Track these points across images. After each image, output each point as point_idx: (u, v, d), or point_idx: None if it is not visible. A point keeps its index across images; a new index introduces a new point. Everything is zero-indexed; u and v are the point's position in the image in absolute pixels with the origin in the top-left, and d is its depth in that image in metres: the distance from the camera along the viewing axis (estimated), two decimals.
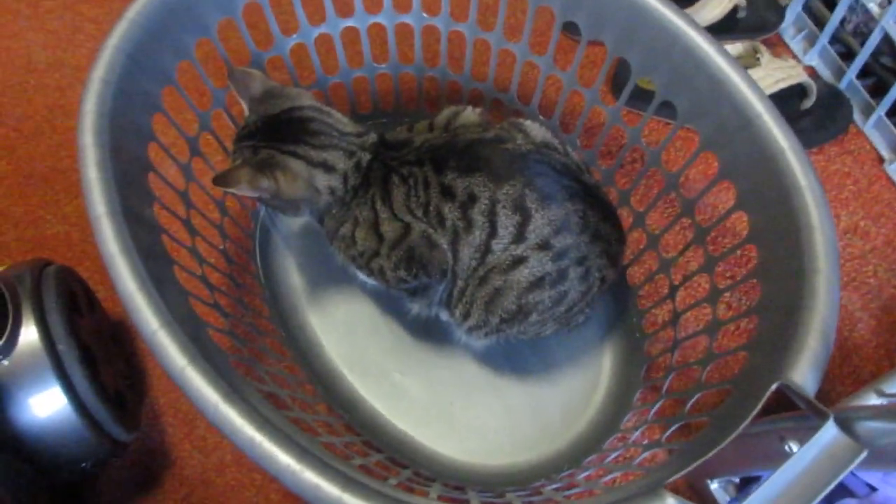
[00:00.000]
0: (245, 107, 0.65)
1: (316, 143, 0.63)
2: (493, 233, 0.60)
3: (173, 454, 0.70)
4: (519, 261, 0.61)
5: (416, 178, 0.62)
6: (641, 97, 0.80)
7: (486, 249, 0.61)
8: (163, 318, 0.46)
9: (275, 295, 0.75)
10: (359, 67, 0.81)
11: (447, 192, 0.61)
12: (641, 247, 0.76)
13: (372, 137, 0.66)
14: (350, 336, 0.74)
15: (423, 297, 0.67)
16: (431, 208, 0.61)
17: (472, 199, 0.60)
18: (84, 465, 0.60)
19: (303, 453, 0.43)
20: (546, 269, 0.61)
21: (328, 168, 0.63)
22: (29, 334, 0.58)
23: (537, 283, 0.61)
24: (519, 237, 0.60)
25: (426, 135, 0.68)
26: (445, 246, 0.62)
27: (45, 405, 0.57)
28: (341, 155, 0.63)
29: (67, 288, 0.63)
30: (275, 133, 0.62)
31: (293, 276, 0.77)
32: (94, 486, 0.68)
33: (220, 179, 0.58)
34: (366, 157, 0.64)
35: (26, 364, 0.57)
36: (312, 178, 0.62)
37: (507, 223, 0.60)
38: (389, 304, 0.75)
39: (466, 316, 0.65)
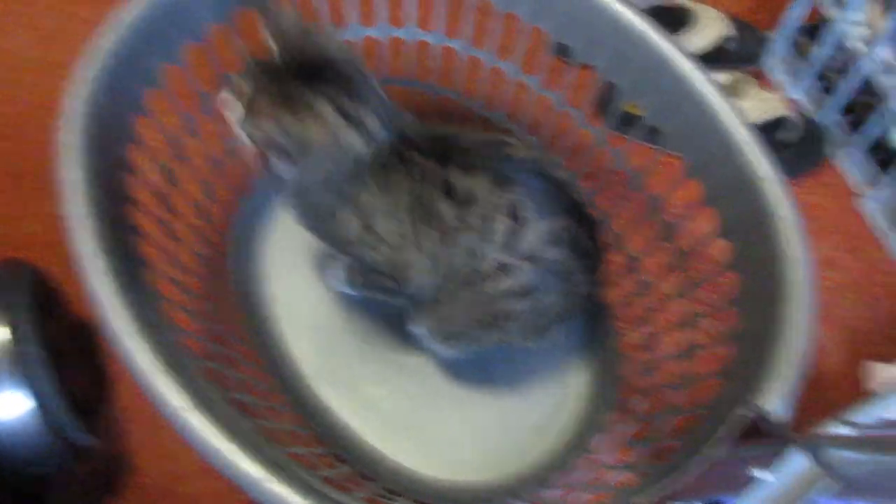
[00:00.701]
0: (272, 45, 0.58)
1: (353, 96, 0.57)
2: (485, 237, 0.59)
3: (136, 461, 0.68)
4: (504, 269, 0.60)
5: (421, 170, 0.60)
6: (627, 121, 0.80)
7: (477, 254, 0.60)
8: (133, 323, 0.46)
9: (248, 302, 0.74)
10: None
11: (449, 190, 0.59)
12: (621, 269, 0.76)
13: (404, 119, 0.62)
14: (321, 346, 0.73)
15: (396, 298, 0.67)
16: (429, 207, 0.59)
17: (471, 199, 0.59)
18: (46, 470, 0.59)
19: (270, 464, 0.42)
20: (532, 280, 0.60)
21: (361, 128, 0.57)
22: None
23: (521, 293, 0.61)
24: (509, 245, 0.59)
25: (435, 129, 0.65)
26: (425, 266, 0.61)
27: (9, 407, 0.56)
28: (375, 118, 0.58)
29: (39, 289, 0.62)
30: (303, 73, 0.57)
31: (268, 284, 0.76)
32: (55, 491, 0.66)
33: (230, 102, 0.54)
34: (390, 136, 0.59)
35: None
36: (339, 132, 0.56)
37: (500, 229, 0.59)
38: (362, 316, 0.74)
39: (443, 321, 0.65)
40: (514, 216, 0.59)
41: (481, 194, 0.59)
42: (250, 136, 0.58)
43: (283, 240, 0.79)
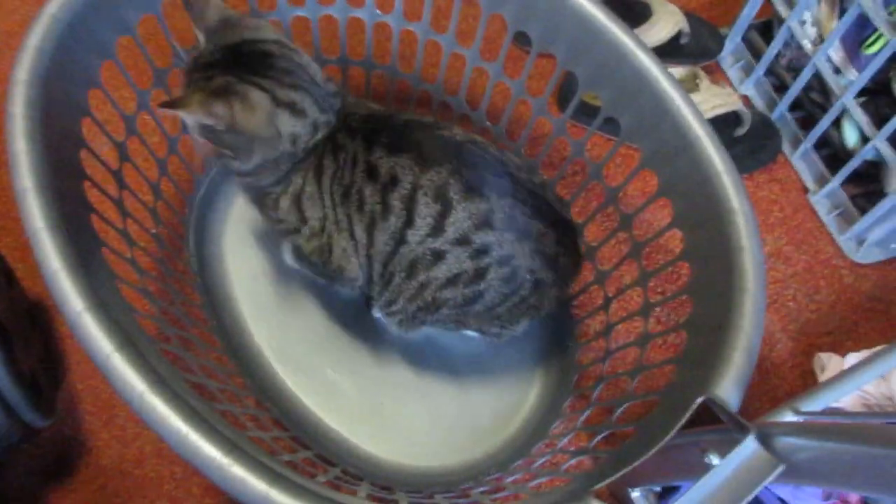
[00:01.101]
0: (201, 37, 0.59)
1: (283, 81, 0.57)
2: (408, 222, 0.58)
3: (90, 443, 0.67)
4: (439, 255, 0.59)
5: (347, 152, 0.59)
6: (586, 111, 0.81)
7: (400, 239, 0.59)
8: (88, 301, 0.44)
9: (207, 284, 0.73)
10: None
11: (371, 172, 0.58)
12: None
13: (338, 102, 0.61)
14: (283, 330, 0.73)
15: (342, 284, 0.67)
16: (354, 191, 0.59)
17: (394, 181, 0.58)
18: None
19: (230, 447, 0.42)
20: (463, 266, 0.59)
21: (296, 111, 0.58)
22: None
23: (452, 280, 0.60)
24: (437, 229, 0.58)
25: (374, 107, 0.65)
26: (356, 260, 0.61)
27: None
28: (312, 102, 0.58)
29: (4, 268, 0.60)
30: (235, 63, 0.57)
31: (227, 265, 0.75)
32: (2, 471, 0.64)
33: (170, 103, 0.53)
34: (330, 120, 0.60)
35: None
36: (275, 117, 0.56)
37: (425, 212, 0.57)
38: (324, 300, 0.74)
39: (390, 303, 0.64)
40: (440, 198, 0.57)
41: (404, 175, 0.57)
42: (192, 128, 0.58)
43: (241, 220, 0.77)
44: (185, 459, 0.41)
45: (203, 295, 0.72)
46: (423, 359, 0.73)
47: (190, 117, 0.55)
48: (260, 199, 0.64)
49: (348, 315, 0.72)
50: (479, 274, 0.60)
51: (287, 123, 0.57)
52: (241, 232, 0.77)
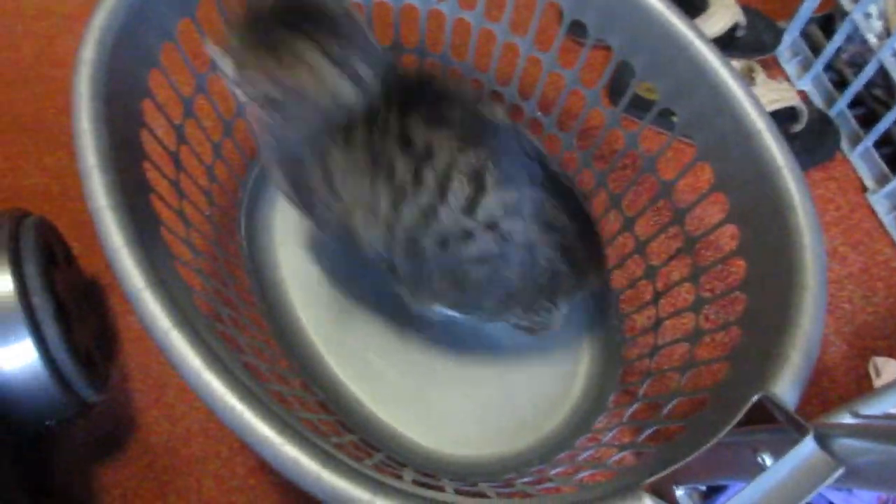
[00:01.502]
0: None
1: (343, 42, 0.54)
2: (441, 199, 0.55)
3: (139, 419, 0.68)
4: (468, 235, 0.57)
5: (380, 118, 0.56)
6: (637, 104, 0.80)
7: (432, 215, 0.56)
8: (149, 278, 0.45)
9: (257, 266, 0.74)
10: None
11: (405, 141, 0.55)
12: (627, 252, 0.76)
13: (384, 66, 0.58)
14: (330, 314, 0.73)
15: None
16: (379, 157, 0.56)
17: (429, 154, 0.55)
18: (48, 422, 0.58)
19: (283, 426, 0.42)
20: (490, 248, 0.57)
21: (354, 77, 0.54)
22: (4, 284, 0.56)
23: (480, 260, 0.58)
24: (469, 210, 0.56)
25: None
26: (377, 229, 0.58)
27: (16, 358, 0.55)
28: (369, 70, 0.55)
29: (45, 240, 0.62)
30: (293, 19, 0.54)
31: (276, 249, 0.76)
32: (55, 445, 0.66)
33: (216, 51, 0.52)
34: (377, 83, 0.56)
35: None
36: (330, 81, 0.53)
37: (458, 193, 0.55)
38: (371, 286, 0.74)
39: (417, 283, 0.62)
40: (475, 181, 0.55)
41: (441, 150, 0.55)
42: (243, 91, 0.55)
43: (291, 208, 0.78)
44: (239, 437, 0.42)
45: (252, 277, 0.73)
46: (468, 348, 0.73)
47: (247, 79, 0.53)
48: (296, 177, 0.62)
49: (394, 302, 0.72)
50: (504, 257, 0.58)
51: (343, 87, 0.55)
52: (290, 218, 0.77)
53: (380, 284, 0.74)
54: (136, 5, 0.57)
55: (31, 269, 0.57)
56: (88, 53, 0.53)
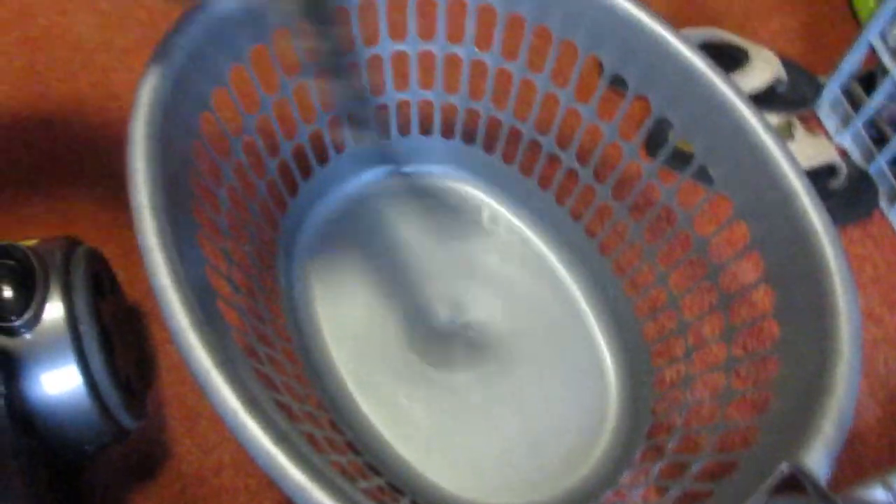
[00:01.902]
0: None
1: None
2: None
3: (173, 448, 0.70)
4: None
5: None
6: (678, 158, 0.80)
7: None
8: (192, 317, 0.47)
9: (294, 304, 0.75)
10: (404, 90, 0.83)
11: None
12: (660, 305, 0.77)
13: None
14: (361, 352, 0.74)
15: None
16: None
17: None
18: (87, 447, 0.60)
19: (315, 473, 0.43)
20: None
21: None
22: (54, 311, 0.58)
23: None
24: None
25: None
26: None
27: (61, 384, 0.57)
28: None
29: (94, 269, 0.64)
30: None
31: (312, 286, 0.77)
32: (91, 469, 0.68)
33: None
34: None
35: (48, 340, 0.57)
36: None
37: None
38: (404, 327, 0.76)
39: None
40: None
41: None
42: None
43: (329, 244, 0.80)
44: (272, 480, 0.43)
45: (288, 314, 0.74)
46: (496, 393, 0.74)
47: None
48: None
49: (426, 344, 0.73)
50: None
51: None
52: (327, 257, 0.79)
53: (413, 327, 0.75)
54: (193, 52, 0.60)
55: (81, 298, 0.59)
56: (145, 97, 0.55)
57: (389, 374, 0.74)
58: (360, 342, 0.75)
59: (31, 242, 0.65)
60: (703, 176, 0.71)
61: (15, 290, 0.59)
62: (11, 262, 0.61)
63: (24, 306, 0.58)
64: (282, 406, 0.53)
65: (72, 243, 0.64)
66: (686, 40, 0.69)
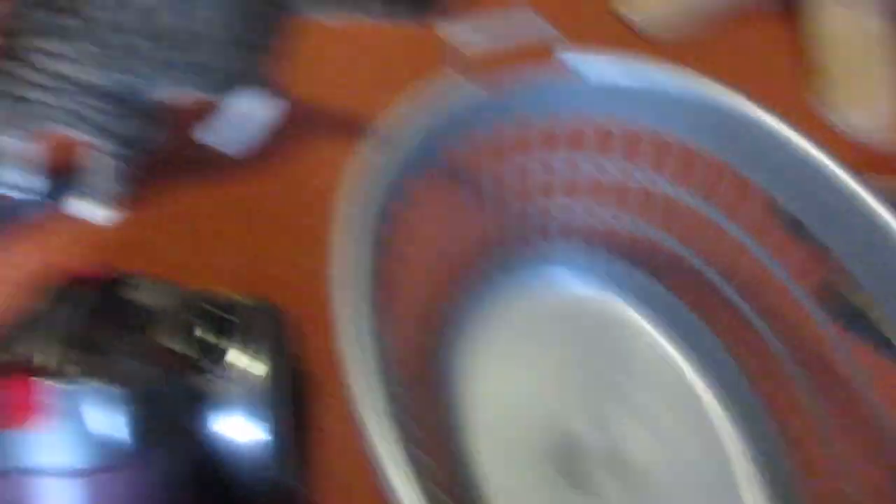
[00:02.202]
0: None
1: None
2: None
3: None
4: None
5: None
6: (854, 315, 0.77)
7: None
8: (396, 434, 0.49)
9: (449, 399, 0.78)
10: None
11: None
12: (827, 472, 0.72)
13: None
14: (508, 460, 0.75)
15: None
16: None
17: None
18: (252, 499, 0.65)
19: None
20: None
21: None
22: (261, 370, 0.64)
23: None
24: None
25: None
26: None
27: (248, 437, 0.62)
28: None
29: (292, 335, 0.70)
30: None
31: (470, 384, 0.79)
32: None
33: None
34: None
35: (241, 390, 0.63)
36: None
37: None
38: (555, 454, 0.76)
39: None
40: None
41: None
42: None
43: (494, 340, 0.83)
44: None
45: (443, 409, 0.77)
46: None
47: None
48: None
49: (570, 464, 0.73)
50: None
51: None
52: (492, 352, 0.82)
53: (563, 453, 0.76)
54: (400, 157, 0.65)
55: (276, 362, 0.65)
56: (359, 184, 0.61)
57: (531, 489, 0.74)
58: (510, 448, 0.76)
59: (237, 295, 0.72)
60: (882, 342, 0.68)
61: (216, 337, 0.66)
62: (217, 311, 0.68)
63: (221, 354, 0.65)
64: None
65: (272, 309, 0.71)
66: (875, 191, 0.67)
